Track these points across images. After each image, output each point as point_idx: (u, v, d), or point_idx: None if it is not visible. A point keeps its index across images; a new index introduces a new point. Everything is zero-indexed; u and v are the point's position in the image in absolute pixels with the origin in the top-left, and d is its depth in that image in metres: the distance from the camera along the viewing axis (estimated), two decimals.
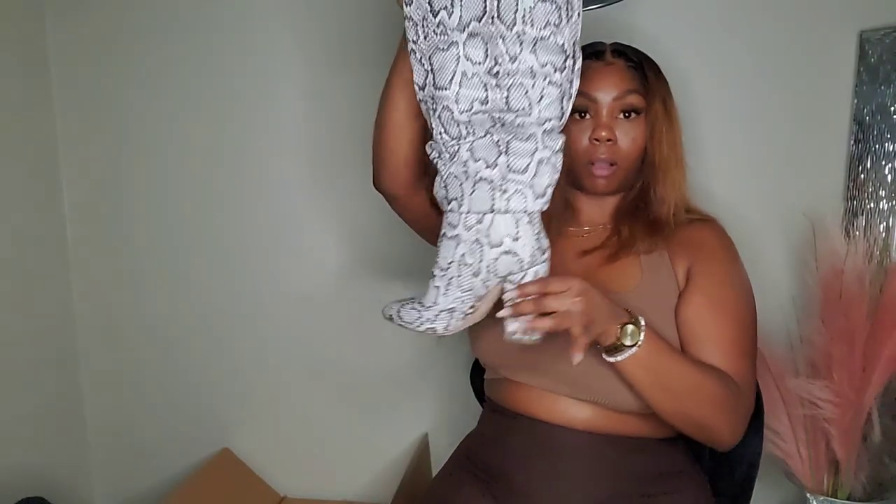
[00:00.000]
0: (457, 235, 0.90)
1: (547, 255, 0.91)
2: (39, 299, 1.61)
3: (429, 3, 0.86)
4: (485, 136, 0.89)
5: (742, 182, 1.40)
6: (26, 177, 1.57)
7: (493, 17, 0.85)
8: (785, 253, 1.40)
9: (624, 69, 1.03)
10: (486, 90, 0.88)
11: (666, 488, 1.00)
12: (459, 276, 0.91)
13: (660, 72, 1.07)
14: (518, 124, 0.88)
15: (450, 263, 0.91)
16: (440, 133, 0.91)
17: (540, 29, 0.85)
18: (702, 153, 1.39)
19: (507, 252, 0.88)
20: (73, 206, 1.67)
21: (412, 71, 0.90)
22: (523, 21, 0.85)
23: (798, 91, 1.37)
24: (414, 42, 0.88)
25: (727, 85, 1.39)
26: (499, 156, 0.88)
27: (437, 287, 0.92)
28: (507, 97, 0.87)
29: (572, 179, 1.05)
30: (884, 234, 1.34)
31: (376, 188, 1.05)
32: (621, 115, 1.02)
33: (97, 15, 1.58)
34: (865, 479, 1.27)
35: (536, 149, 0.88)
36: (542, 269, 0.90)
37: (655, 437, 1.01)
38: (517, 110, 0.87)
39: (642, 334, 0.89)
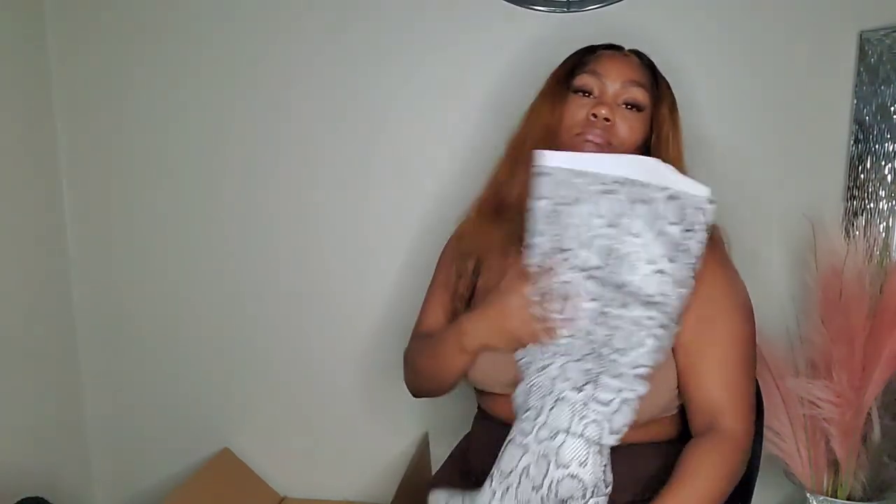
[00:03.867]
0: (525, 444, 0.92)
1: (608, 490, 0.92)
2: (39, 299, 1.61)
3: (560, 240, 0.94)
4: (579, 360, 0.93)
5: (742, 182, 1.40)
6: (26, 177, 1.57)
7: (602, 280, 0.93)
8: (785, 253, 1.40)
9: (637, 64, 1.06)
10: (594, 324, 0.93)
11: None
12: (519, 485, 0.92)
13: (669, 84, 1.08)
14: (612, 360, 0.92)
15: (511, 471, 0.92)
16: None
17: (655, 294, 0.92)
18: (702, 153, 1.39)
19: (572, 476, 0.90)
20: (73, 206, 1.66)
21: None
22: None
23: (798, 91, 1.37)
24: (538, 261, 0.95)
25: (727, 85, 1.39)
26: (587, 383, 0.92)
27: (494, 491, 0.93)
28: (610, 336, 0.93)
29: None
30: (884, 234, 1.34)
31: (415, 396, 1.17)
32: (624, 106, 1.02)
33: (97, 15, 1.58)
34: (865, 479, 1.27)
35: (622, 388, 0.92)
36: (602, 502, 0.91)
37: (653, 442, 1.01)
38: (616, 349, 0.92)
39: None
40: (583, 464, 0.91)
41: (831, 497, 1.28)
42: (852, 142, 1.35)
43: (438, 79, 1.48)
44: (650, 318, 0.92)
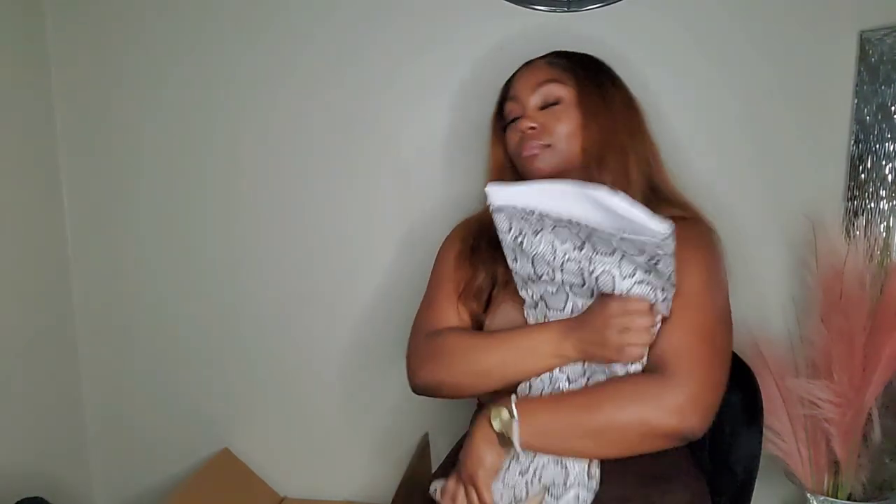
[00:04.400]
0: None
1: (593, 484, 0.94)
2: (39, 299, 1.61)
3: (532, 267, 0.97)
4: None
5: (742, 182, 1.40)
6: (26, 177, 1.57)
7: (592, 290, 0.94)
8: (785, 253, 1.40)
9: (544, 65, 1.11)
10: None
11: (664, 489, 0.99)
12: (507, 469, 0.95)
13: (598, 67, 1.12)
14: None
15: None
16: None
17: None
18: (702, 153, 1.39)
19: (557, 462, 0.94)
20: (73, 207, 1.66)
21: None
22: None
23: (798, 91, 1.37)
24: (524, 284, 1.01)
25: (727, 85, 1.39)
26: (580, 377, 0.96)
27: None
28: None
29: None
30: (884, 234, 1.34)
31: (425, 393, 1.11)
32: (545, 107, 1.07)
33: (97, 14, 1.58)
34: (865, 479, 1.27)
35: None
36: (583, 493, 0.93)
37: None
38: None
39: (515, 420, 0.92)
40: None
41: (831, 497, 1.28)
42: (852, 142, 1.35)
43: (438, 78, 1.48)
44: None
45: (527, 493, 0.95)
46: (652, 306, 0.91)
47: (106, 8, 1.58)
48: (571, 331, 0.96)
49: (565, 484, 0.93)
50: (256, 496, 1.64)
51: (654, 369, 0.94)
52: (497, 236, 1.03)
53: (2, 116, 1.50)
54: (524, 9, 1.42)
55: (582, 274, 0.93)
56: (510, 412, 0.92)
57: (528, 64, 1.14)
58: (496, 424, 0.93)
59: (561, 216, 0.92)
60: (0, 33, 1.50)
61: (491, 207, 0.97)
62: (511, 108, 1.11)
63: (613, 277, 0.90)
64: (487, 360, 1.00)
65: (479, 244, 1.11)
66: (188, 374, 1.68)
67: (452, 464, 1.11)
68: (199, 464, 1.66)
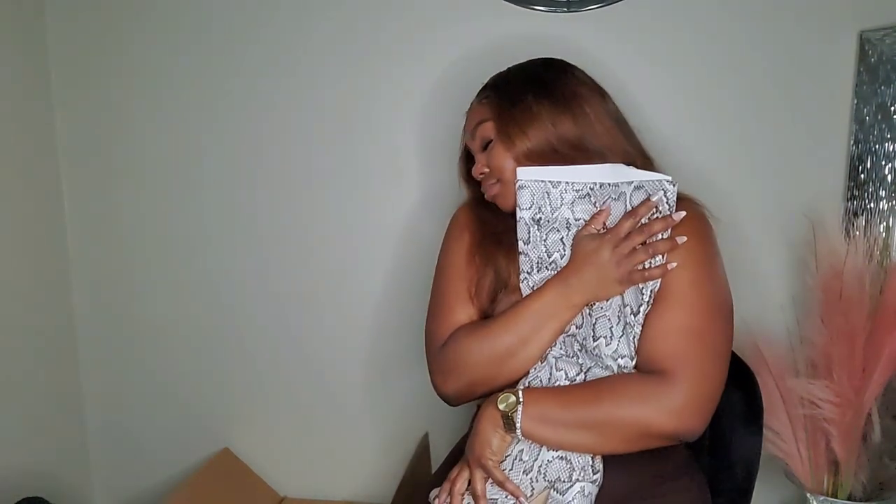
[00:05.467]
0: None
1: (598, 478, 0.95)
2: (39, 299, 1.61)
3: (545, 247, 1.02)
4: (572, 357, 1.00)
5: (742, 182, 1.40)
6: (26, 177, 1.57)
7: None
8: (785, 253, 1.40)
9: (475, 106, 1.12)
10: (581, 318, 1.01)
11: (664, 489, 1.00)
12: (511, 469, 0.96)
13: (522, 82, 1.09)
14: (597, 353, 0.98)
15: (506, 457, 0.97)
16: None
17: None
18: (701, 153, 1.39)
19: (561, 458, 0.95)
20: (73, 207, 1.66)
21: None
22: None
23: (798, 91, 1.37)
24: (528, 273, 1.03)
25: (727, 85, 1.39)
26: (579, 373, 0.98)
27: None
28: (592, 327, 1.00)
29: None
30: (884, 234, 1.34)
31: (442, 396, 1.11)
32: (485, 150, 1.09)
33: (97, 14, 1.58)
34: (865, 479, 1.27)
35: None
36: (588, 487, 0.94)
37: None
38: (597, 338, 0.99)
39: (519, 403, 0.94)
40: None
41: (831, 497, 1.28)
42: (852, 142, 1.35)
43: (437, 78, 1.48)
44: (625, 305, 0.98)
45: (532, 490, 0.95)
46: (641, 225, 0.97)
47: (106, 9, 1.58)
48: (570, 278, 0.99)
49: (570, 478, 0.94)
50: (256, 496, 1.64)
51: (651, 370, 0.95)
52: (498, 231, 1.06)
53: (1, 117, 1.50)
54: (524, 9, 1.42)
55: None
56: (516, 396, 0.94)
57: (471, 105, 1.14)
58: (501, 406, 0.94)
59: (581, 184, 1.02)
60: (0, 33, 1.50)
61: (517, 185, 1.03)
62: (468, 145, 1.14)
63: None
64: (504, 341, 1.00)
65: (483, 237, 1.11)
66: (188, 375, 1.68)
67: (452, 464, 1.11)
68: (199, 464, 1.66)
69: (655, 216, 0.98)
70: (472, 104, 1.14)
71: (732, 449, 1.03)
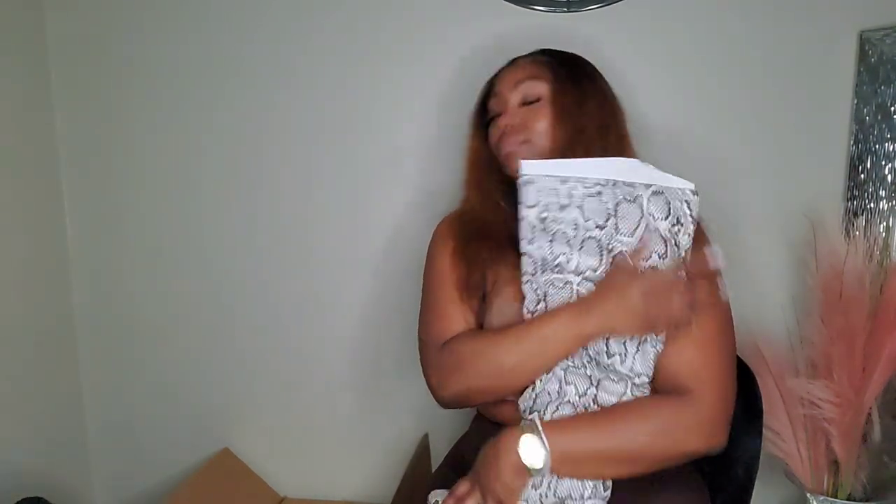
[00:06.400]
0: None
1: (607, 493, 0.94)
2: (39, 299, 1.61)
3: (550, 247, 0.96)
4: (580, 368, 0.96)
5: (742, 182, 1.40)
6: (26, 177, 1.57)
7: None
8: (785, 253, 1.40)
9: (526, 63, 1.10)
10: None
11: (663, 489, 0.99)
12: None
13: (579, 65, 1.11)
14: (611, 367, 0.95)
15: None
16: None
17: None
18: (701, 153, 1.39)
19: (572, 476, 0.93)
20: (73, 207, 1.66)
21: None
22: None
23: (798, 91, 1.37)
24: (531, 275, 0.98)
25: (727, 85, 1.40)
26: (589, 387, 0.95)
27: None
28: (605, 343, 0.95)
29: (508, 182, 1.06)
30: (884, 234, 1.34)
31: (438, 399, 1.08)
32: (525, 104, 1.06)
33: (97, 14, 1.58)
34: (865, 479, 1.27)
35: (625, 393, 0.95)
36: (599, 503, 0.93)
37: None
38: (611, 354, 0.95)
39: (546, 453, 0.90)
40: None
41: (831, 497, 1.28)
42: (852, 142, 1.35)
43: (437, 79, 1.48)
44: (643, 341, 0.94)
45: None
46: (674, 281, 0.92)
47: (106, 9, 1.58)
48: (590, 305, 0.95)
49: (581, 496, 0.92)
50: (256, 496, 1.64)
51: (672, 390, 0.95)
52: (486, 232, 1.04)
53: (2, 117, 1.50)
54: (524, 9, 1.42)
55: (600, 253, 0.94)
56: (542, 441, 0.90)
57: (512, 61, 1.13)
58: (526, 457, 0.91)
59: (592, 180, 0.96)
60: (0, 33, 1.50)
61: (522, 180, 0.98)
62: (494, 105, 1.11)
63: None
64: (509, 358, 0.98)
65: (469, 240, 1.09)
66: (188, 375, 1.68)
67: (452, 464, 1.11)
68: (199, 464, 1.66)
69: (677, 229, 0.94)
70: (516, 60, 1.12)
71: (732, 449, 1.03)
